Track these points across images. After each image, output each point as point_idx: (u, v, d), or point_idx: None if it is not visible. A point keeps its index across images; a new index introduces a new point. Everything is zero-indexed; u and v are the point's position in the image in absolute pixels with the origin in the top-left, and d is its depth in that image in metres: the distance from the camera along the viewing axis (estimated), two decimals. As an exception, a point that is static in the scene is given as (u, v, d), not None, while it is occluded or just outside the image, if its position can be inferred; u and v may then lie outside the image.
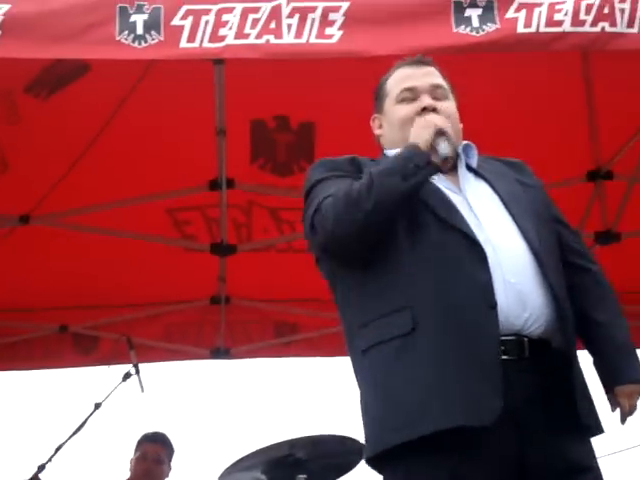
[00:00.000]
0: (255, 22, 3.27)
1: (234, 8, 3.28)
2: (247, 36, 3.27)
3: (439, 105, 2.82)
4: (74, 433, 4.79)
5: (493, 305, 2.61)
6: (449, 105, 2.87)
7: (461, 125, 2.92)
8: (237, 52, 3.29)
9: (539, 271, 2.71)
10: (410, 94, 2.86)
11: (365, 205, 2.61)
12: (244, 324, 6.52)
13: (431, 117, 2.77)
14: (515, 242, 2.73)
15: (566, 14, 3.27)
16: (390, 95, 2.91)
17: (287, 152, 5.32)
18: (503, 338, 2.60)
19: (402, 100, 2.87)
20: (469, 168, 2.87)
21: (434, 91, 2.85)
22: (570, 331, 2.73)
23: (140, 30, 3.28)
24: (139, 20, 3.28)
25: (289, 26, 3.29)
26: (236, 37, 3.26)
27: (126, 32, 3.28)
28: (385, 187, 2.63)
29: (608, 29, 3.27)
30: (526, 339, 2.65)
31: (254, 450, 5.15)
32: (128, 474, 6.17)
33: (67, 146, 4.97)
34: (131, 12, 3.29)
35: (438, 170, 2.72)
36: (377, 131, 3.00)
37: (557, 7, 3.29)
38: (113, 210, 5.35)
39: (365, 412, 2.72)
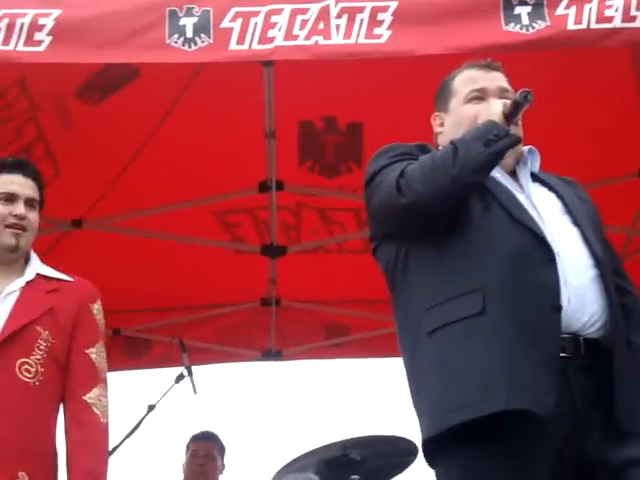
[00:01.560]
0: (304, 23, 3.27)
1: (283, 9, 3.28)
2: (296, 37, 3.26)
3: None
4: (128, 435, 4.81)
5: (558, 308, 2.65)
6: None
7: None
8: (286, 53, 3.29)
9: (599, 276, 2.75)
10: (479, 94, 2.90)
11: (451, 169, 2.68)
12: (295, 326, 6.53)
13: (497, 101, 2.82)
14: (577, 245, 2.78)
15: (617, 10, 3.23)
16: (458, 94, 2.95)
17: (335, 153, 5.32)
18: (561, 336, 2.64)
19: (471, 99, 2.91)
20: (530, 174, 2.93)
21: (502, 94, 2.88)
22: (624, 337, 2.74)
23: (190, 33, 3.29)
24: (189, 23, 3.29)
25: (337, 27, 3.28)
26: (285, 38, 3.26)
27: (176, 35, 3.29)
28: (470, 152, 2.68)
29: (660, 24, 3.24)
30: (582, 338, 2.68)
31: (307, 451, 5.16)
32: (181, 478, 6.19)
33: (118, 150, 5.01)
34: (181, 15, 3.30)
35: (518, 140, 2.77)
36: (438, 129, 3.02)
37: (607, 3, 3.25)
38: (164, 213, 5.39)
39: (424, 394, 2.73)
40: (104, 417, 3.29)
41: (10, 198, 3.35)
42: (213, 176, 5.20)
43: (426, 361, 2.73)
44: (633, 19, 3.24)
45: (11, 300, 3.32)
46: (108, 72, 4.40)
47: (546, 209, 2.81)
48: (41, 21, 3.28)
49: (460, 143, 2.72)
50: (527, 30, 3.25)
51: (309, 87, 4.59)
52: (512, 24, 3.25)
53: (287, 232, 5.79)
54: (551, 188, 2.90)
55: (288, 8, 3.28)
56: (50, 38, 3.31)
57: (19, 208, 3.34)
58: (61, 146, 4.84)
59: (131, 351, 6.50)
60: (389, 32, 3.26)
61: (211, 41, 3.29)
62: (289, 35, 3.26)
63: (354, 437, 4.85)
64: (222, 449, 6.13)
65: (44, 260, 3.52)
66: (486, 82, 2.91)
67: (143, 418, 4.85)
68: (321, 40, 3.25)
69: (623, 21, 3.23)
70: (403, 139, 5.04)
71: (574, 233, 2.80)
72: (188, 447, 6.15)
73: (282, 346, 6.58)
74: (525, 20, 3.25)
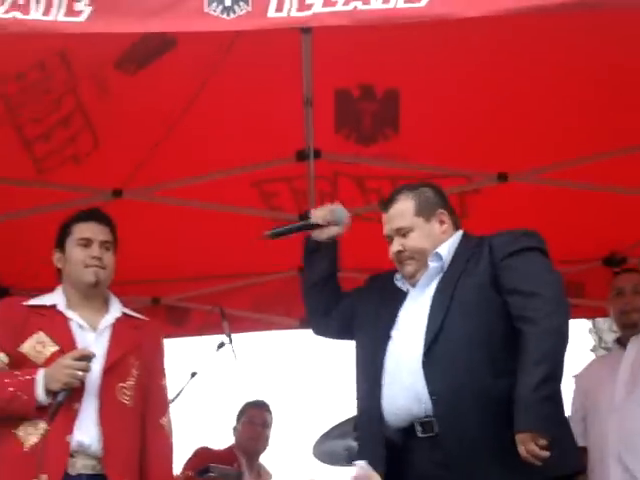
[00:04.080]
0: (343, -12, 3.26)
1: (321, -25, 3.27)
2: (335, 3, 3.25)
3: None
4: (171, 402, 4.86)
5: (378, 397, 3.61)
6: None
7: (434, 248, 3.79)
8: (325, 20, 3.28)
9: (423, 366, 3.52)
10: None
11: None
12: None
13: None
14: (412, 342, 3.60)
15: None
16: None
17: (372, 121, 5.31)
18: (403, 426, 3.57)
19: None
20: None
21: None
22: (467, 411, 3.45)
23: (228, 1, 3.29)
24: (227, -9, 3.30)
25: (377, -9, 3.26)
26: (324, 5, 3.24)
27: (215, 4, 3.30)
28: None
29: None
30: (418, 423, 3.52)
31: (346, 418, 5.20)
32: (231, 442, 6.26)
33: (156, 120, 5.01)
34: (220, -16, 3.31)
35: None
36: None
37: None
38: (202, 183, 5.41)
39: None
40: (171, 436, 4.10)
41: (87, 244, 4.07)
42: (250, 145, 5.21)
43: None
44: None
45: (107, 334, 4.01)
46: (145, 42, 4.40)
47: (410, 317, 3.73)
48: (80, -8, 3.30)
49: None
50: (565, -10, 3.22)
51: (346, 55, 4.58)
52: (550, -15, 3.23)
53: (323, 200, 5.78)
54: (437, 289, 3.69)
55: (326, -26, 3.27)
56: (90, 9, 3.33)
57: (95, 251, 4.05)
58: (100, 117, 4.86)
59: (171, 319, 6.56)
60: (428, -6, 3.23)
61: (250, 9, 3.29)
62: (328, 1, 3.25)
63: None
64: (272, 420, 6.27)
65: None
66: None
67: (186, 385, 4.90)
68: (360, 5, 3.23)
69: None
70: (439, 104, 5.05)
71: (419, 330, 3.60)
72: (243, 412, 6.27)
73: (320, 314, 6.60)
74: (564, -20, 3.22)
